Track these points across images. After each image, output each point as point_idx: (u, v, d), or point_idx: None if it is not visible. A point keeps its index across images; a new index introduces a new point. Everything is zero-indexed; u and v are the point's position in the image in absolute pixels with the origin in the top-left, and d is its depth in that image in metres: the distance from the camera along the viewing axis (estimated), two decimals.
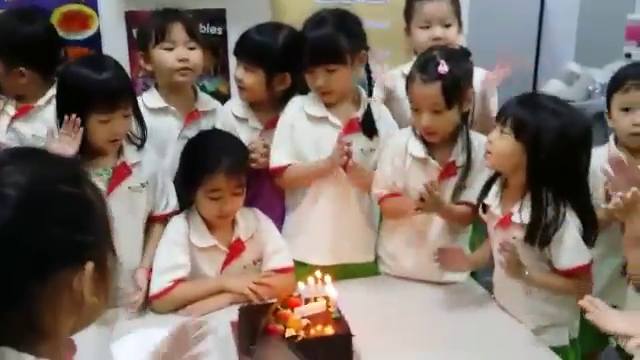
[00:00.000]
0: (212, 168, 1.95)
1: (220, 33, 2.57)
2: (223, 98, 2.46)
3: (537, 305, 1.89)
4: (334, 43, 2.06)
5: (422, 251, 2.14)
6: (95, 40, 2.48)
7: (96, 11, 2.46)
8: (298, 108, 2.16)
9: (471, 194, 2.06)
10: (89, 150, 1.93)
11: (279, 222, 2.24)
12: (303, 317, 1.73)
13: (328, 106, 2.16)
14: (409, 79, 2.04)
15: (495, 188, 1.95)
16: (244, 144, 2.12)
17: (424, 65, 2.00)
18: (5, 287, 0.84)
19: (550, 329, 1.89)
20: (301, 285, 1.80)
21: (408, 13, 2.46)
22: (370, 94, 2.22)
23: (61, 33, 2.38)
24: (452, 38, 2.37)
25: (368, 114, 2.16)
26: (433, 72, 1.95)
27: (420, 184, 1.97)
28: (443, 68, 1.94)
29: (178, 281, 1.98)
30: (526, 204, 1.83)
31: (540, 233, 1.80)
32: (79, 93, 1.89)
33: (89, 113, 1.87)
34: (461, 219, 2.09)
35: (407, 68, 2.17)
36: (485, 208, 1.98)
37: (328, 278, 1.84)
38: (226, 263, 2.05)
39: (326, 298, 1.80)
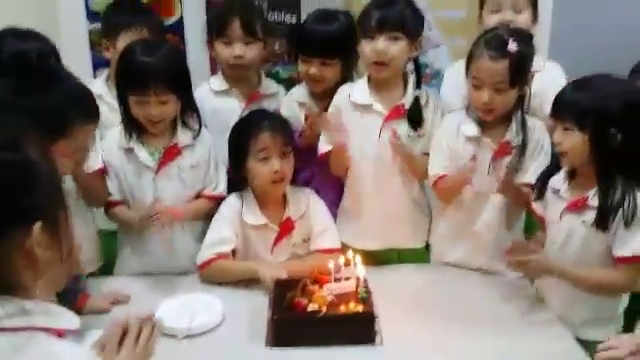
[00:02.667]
0: (257, 129, 2.05)
1: (294, 21, 2.65)
2: (296, 84, 2.50)
3: (582, 298, 1.82)
4: (402, 13, 2.08)
5: (473, 237, 2.13)
6: (178, 25, 2.65)
7: None
8: (345, 96, 2.20)
9: (528, 176, 2.02)
10: (144, 128, 2.08)
11: (335, 206, 2.29)
12: (330, 294, 1.78)
13: (375, 89, 2.17)
14: (472, 55, 2.01)
15: (562, 174, 1.89)
16: (286, 121, 2.18)
17: (492, 42, 1.97)
18: None
19: (595, 323, 1.82)
20: (331, 264, 1.85)
21: None
22: (419, 85, 2.20)
23: None
24: (523, 24, 2.28)
25: (415, 105, 2.15)
26: (501, 49, 1.93)
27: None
28: (512, 46, 1.93)
29: (221, 255, 2.07)
30: None
31: (612, 217, 1.73)
32: (121, 72, 2.05)
33: (129, 93, 2.02)
34: (521, 198, 2.04)
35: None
36: (541, 194, 1.93)
37: (358, 259, 1.88)
38: (277, 241, 2.12)
39: (358, 279, 1.84)
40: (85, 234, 2.06)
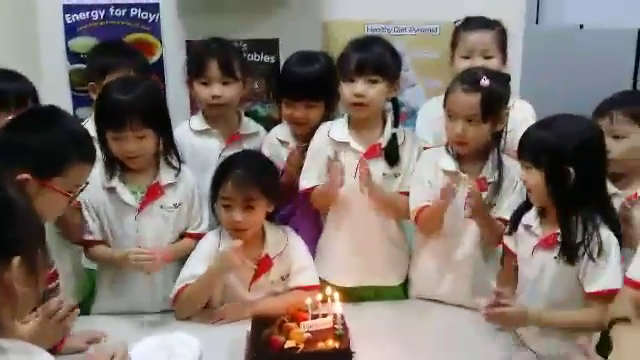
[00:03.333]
0: (225, 176, 2.07)
1: (273, 61, 2.70)
2: (274, 123, 2.56)
3: (555, 334, 1.86)
4: (381, 56, 2.15)
5: (453, 269, 2.17)
6: (159, 65, 2.70)
7: (160, 40, 2.68)
8: (325, 133, 2.24)
9: (502, 211, 2.08)
10: (126, 167, 2.10)
11: (314, 242, 2.31)
12: (307, 331, 1.79)
13: (355, 128, 2.21)
14: (449, 90, 2.11)
15: (533, 211, 1.94)
16: (272, 164, 2.21)
17: (466, 77, 2.09)
18: None
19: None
20: (309, 301, 1.86)
21: (453, 42, 2.50)
22: (396, 124, 2.26)
23: None
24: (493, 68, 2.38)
25: (392, 143, 2.20)
26: (475, 84, 2.03)
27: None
28: (485, 82, 2.03)
29: (189, 285, 2.08)
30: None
31: (578, 253, 1.78)
32: (98, 110, 2.09)
33: (105, 130, 2.05)
34: (493, 229, 2.09)
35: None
36: (513, 229, 1.98)
37: (336, 296, 1.89)
38: (254, 278, 2.13)
39: (335, 315, 1.85)
40: (64, 271, 2.05)
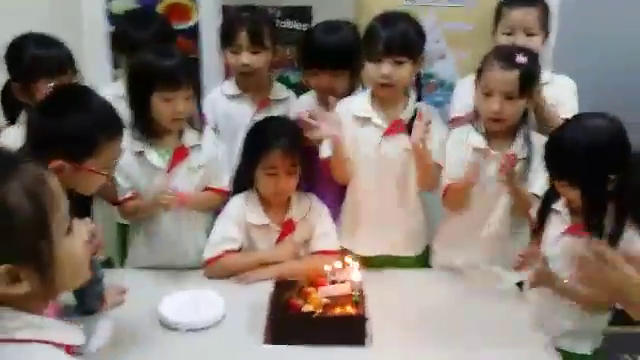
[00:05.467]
0: (270, 146, 2.13)
1: (305, 29, 2.74)
2: (306, 89, 2.60)
3: (564, 309, 1.91)
4: (407, 36, 2.17)
5: (477, 246, 2.22)
6: (194, 30, 2.76)
7: (196, 3, 2.73)
8: (346, 108, 2.28)
9: (533, 187, 2.11)
10: (154, 130, 2.19)
11: (337, 211, 2.37)
12: (325, 296, 1.88)
13: (377, 103, 2.25)
14: (484, 68, 2.13)
15: (563, 198, 1.95)
16: (299, 128, 2.26)
17: (503, 54, 2.12)
18: None
19: (574, 335, 1.91)
20: (327, 267, 1.95)
21: (497, 16, 2.51)
22: (419, 99, 2.29)
23: None
24: (534, 47, 2.38)
25: (415, 117, 2.22)
26: (512, 61, 2.06)
27: (481, 175, 2.10)
28: (522, 59, 2.07)
29: (228, 252, 2.19)
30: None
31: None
32: (146, 76, 2.14)
33: (154, 92, 2.11)
34: (526, 205, 2.11)
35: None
36: (542, 219, 1.99)
37: (355, 263, 1.98)
38: (278, 240, 2.22)
39: (353, 282, 1.94)
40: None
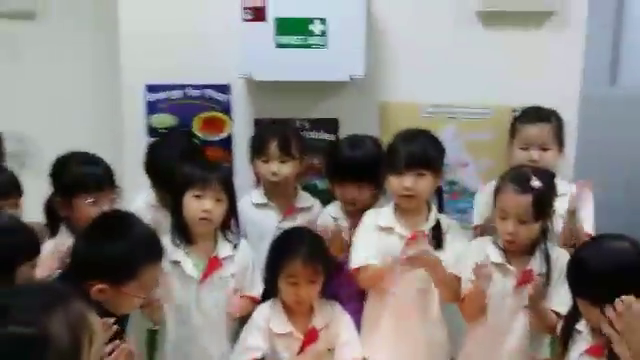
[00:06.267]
0: (290, 256, 2.22)
1: (332, 139, 2.88)
2: (332, 196, 2.67)
3: None
4: (427, 151, 2.30)
5: (499, 356, 2.21)
6: (228, 142, 2.93)
7: (229, 117, 2.91)
8: (372, 219, 2.37)
9: (553, 303, 2.12)
10: (189, 237, 2.31)
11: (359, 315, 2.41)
12: None
13: (400, 214, 2.34)
14: (499, 190, 2.19)
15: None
16: (321, 238, 2.35)
17: (517, 178, 2.16)
18: None
19: None
20: None
21: (512, 131, 2.62)
22: (441, 210, 2.37)
23: (200, 135, 2.89)
24: (549, 161, 2.49)
25: (437, 228, 2.31)
26: (526, 185, 2.11)
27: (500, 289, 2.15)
28: (536, 183, 2.11)
29: None
30: None
31: None
32: (180, 178, 2.30)
33: (186, 192, 2.26)
34: (549, 323, 2.13)
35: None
36: (566, 340, 1.98)
37: None
38: (301, 349, 2.26)
39: None
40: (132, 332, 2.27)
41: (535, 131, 2.51)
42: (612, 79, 3.94)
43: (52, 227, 2.30)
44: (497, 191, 2.20)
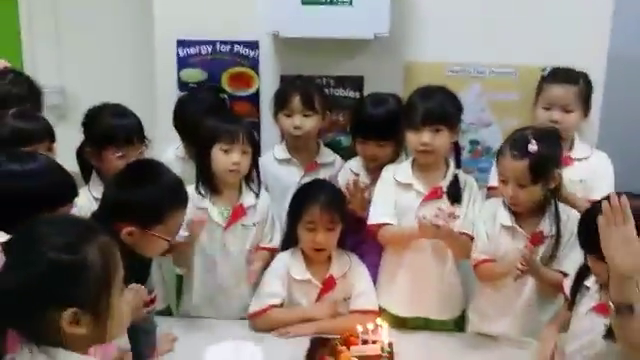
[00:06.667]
0: (309, 202, 2.31)
1: (358, 97, 2.92)
2: (355, 152, 2.71)
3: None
4: (444, 107, 2.32)
5: (510, 315, 2.28)
6: (256, 97, 2.99)
7: (257, 73, 2.97)
8: (390, 174, 2.43)
9: (566, 263, 2.16)
10: (216, 186, 2.41)
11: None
12: (356, 355, 1.99)
13: (418, 170, 2.38)
14: (499, 153, 2.21)
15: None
16: (339, 190, 2.45)
17: (515, 142, 2.16)
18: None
19: None
20: (359, 327, 2.05)
21: (538, 90, 2.62)
22: (458, 165, 2.41)
23: (228, 90, 2.96)
24: (571, 123, 2.50)
25: (454, 184, 2.34)
26: (523, 150, 2.11)
27: (508, 251, 2.18)
28: (533, 147, 2.10)
29: (272, 306, 2.35)
30: None
31: None
32: (208, 132, 2.39)
33: (214, 145, 2.35)
34: (555, 286, 2.18)
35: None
36: (574, 296, 2.02)
37: (385, 324, 2.08)
38: (319, 296, 2.37)
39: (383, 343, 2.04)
40: (158, 277, 2.44)
41: (559, 92, 2.50)
42: None
43: (84, 175, 2.41)
44: (498, 154, 2.23)
